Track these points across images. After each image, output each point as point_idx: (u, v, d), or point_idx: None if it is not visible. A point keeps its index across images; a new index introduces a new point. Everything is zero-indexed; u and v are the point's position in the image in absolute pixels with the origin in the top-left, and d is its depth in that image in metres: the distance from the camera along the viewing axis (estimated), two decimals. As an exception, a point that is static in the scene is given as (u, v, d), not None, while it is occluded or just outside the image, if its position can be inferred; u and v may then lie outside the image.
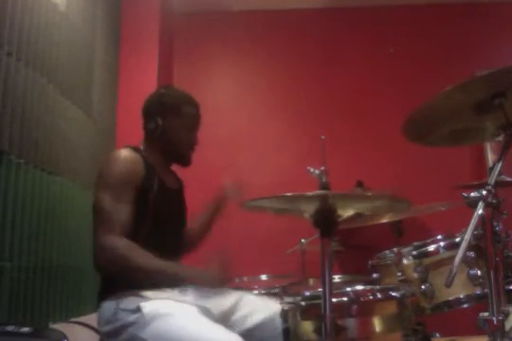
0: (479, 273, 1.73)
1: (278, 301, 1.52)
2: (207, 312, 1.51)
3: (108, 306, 1.52)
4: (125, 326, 1.46)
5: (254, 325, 1.58)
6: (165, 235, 1.65)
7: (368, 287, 1.52)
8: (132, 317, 1.45)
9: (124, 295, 1.51)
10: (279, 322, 1.42)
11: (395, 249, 2.01)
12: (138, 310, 1.45)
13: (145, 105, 1.83)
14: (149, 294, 1.51)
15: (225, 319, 1.56)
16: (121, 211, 1.54)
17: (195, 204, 1.96)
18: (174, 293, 1.59)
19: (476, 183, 1.94)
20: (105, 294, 1.56)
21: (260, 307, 1.63)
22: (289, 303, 1.40)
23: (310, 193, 1.15)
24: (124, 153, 1.66)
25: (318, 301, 1.28)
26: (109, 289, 1.57)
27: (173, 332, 1.39)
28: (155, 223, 1.63)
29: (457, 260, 1.08)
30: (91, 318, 1.89)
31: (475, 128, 1.42)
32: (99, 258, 1.49)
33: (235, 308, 1.63)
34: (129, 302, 1.48)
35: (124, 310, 1.47)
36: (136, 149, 1.72)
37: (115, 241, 1.48)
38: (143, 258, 1.48)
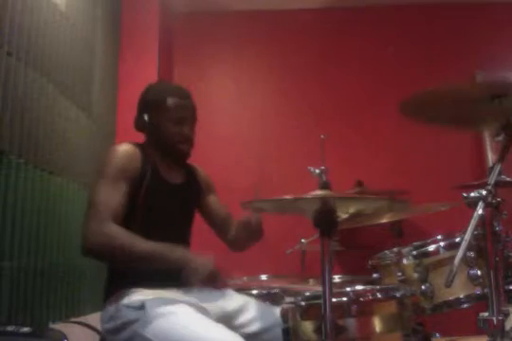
0: (479, 273, 1.73)
1: (278, 304, 1.53)
2: (207, 313, 1.51)
3: (112, 303, 1.53)
4: (128, 323, 1.46)
5: (256, 331, 1.58)
6: (161, 230, 1.63)
7: (368, 287, 1.52)
8: (135, 314, 1.45)
9: (129, 292, 1.52)
10: (279, 330, 1.42)
11: (395, 249, 2.01)
12: (142, 307, 1.45)
13: (138, 103, 1.82)
14: (153, 292, 1.52)
15: (226, 323, 1.55)
16: (111, 198, 1.53)
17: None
18: (179, 293, 1.59)
19: (476, 183, 1.94)
20: (110, 291, 1.57)
21: (262, 313, 1.63)
22: (289, 303, 1.40)
23: (310, 195, 1.15)
24: (122, 147, 1.66)
25: (318, 301, 1.28)
26: (114, 287, 1.57)
27: (176, 331, 1.40)
28: (147, 217, 1.62)
29: (457, 260, 1.08)
30: (91, 318, 1.89)
31: (476, 117, 1.41)
32: (86, 241, 1.46)
33: (238, 313, 1.63)
34: (133, 299, 1.49)
35: (128, 306, 1.48)
36: (136, 144, 1.72)
37: (102, 224, 1.46)
38: (130, 239, 1.46)
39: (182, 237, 1.77)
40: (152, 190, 1.64)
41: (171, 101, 1.74)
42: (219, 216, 1.92)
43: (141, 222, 1.60)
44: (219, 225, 1.92)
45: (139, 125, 1.77)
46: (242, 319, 1.61)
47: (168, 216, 1.69)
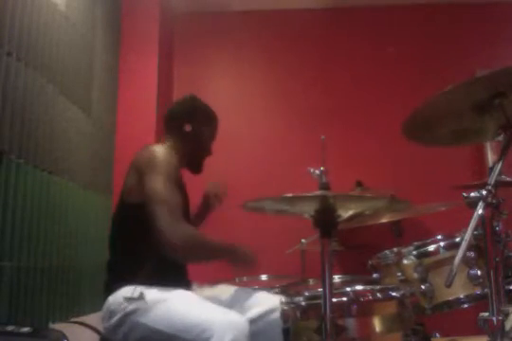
0: (479, 273, 1.73)
1: (277, 296, 1.55)
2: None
3: (113, 298, 1.55)
4: (128, 314, 1.49)
5: (252, 318, 1.60)
6: None
7: (368, 287, 1.52)
8: (134, 305, 1.49)
9: (129, 287, 1.53)
10: (277, 315, 1.43)
11: (395, 249, 2.01)
12: (142, 297, 1.48)
13: (176, 109, 1.89)
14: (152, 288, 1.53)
15: None
16: (177, 197, 1.61)
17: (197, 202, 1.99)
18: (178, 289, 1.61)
19: (476, 183, 1.94)
20: (111, 289, 1.58)
21: (258, 301, 1.66)
22: (289, 303, 1.40)
23: (310, 194, 1.16)
24: (166, 148, 1.74)
25: (318, 301, 1.28)
26: (115, 285, 1.58)
27: (176, 315, 1.43)
28: None
29: (457, 260, 1.08)
30: (91, 318, 1.89)
31: (475, 128, 1.42)
32: (171, 241, 1.51)
33: (233, 302, 1.66)
34: (133, 291, 1.51)
35: (128, 298, 1.50)
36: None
37: (180, 224, 1.55)
38: (203, 237, 1.60)
39: None
40: (181, 192, 1.73)
41: (215, 120, 1.95)
42: None
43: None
44: None
45: (178, 130, 1.84)
46: (238, 308, 1.63)
47: (185, 214, 1.76)
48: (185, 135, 1.83)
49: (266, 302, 1.63)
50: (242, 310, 1.62)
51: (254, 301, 1.65)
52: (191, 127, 1.83)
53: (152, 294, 1.49)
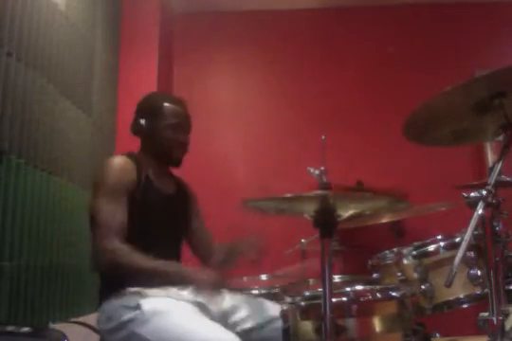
0: (479, 273, 1.73)
1: (278, 304, 1.53)
2: (205, 309, 1.53)
3: (109, 304, 1.53)
4: (125, 322, 1.47)
5: (251, 327, 1.59)
6: (154, 240, 1.64)
7: (368, 287, 1.52)
8: (132, 314, 1.46)
9: (125, 292, 1.53)
10: (278, 325, 1.43)
11: (395, 249, 2.01)
12: (138, 307, 1.46)
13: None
14: (149, 291, 1.52)
15: (223, 319, 1.57)
16: (116, 216, 1.56)
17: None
18: (174, 291, 1.60)
19: (476, 183, 1.94)
20: (106, 292, 1.58)
21: (257, 310, 1.64)
22: (289, 303, 1.40)
23: (310, 194, 1.15)
24: (116, 160, 1.70)
25: (318, 301, 1.28)
26: (110, 287, 1.58)
27: (172, 330, 1.41)
28: (141, 226, 1.62)
29: (457, 260, 1.08)
30: (91, 318, 1.89)
31: (475, 128, 1.42)
32: (98, 261, 1.52)
33: (234, 309, 1.63)
34: (130, 299, 1.50)
35: (125, 307, 1.48)
36: (130, 155, 1.75)
37: (113, 244, 1.50)
38: (142, 260, 1.50)
39: (174, 247, 1.80)
40: (145, 201, 1.66)
41: (167, 108, 1.79)
42: (203, 238, 1.93)
43: (135, 231, 1.60)
44: (200, 247, 1.92)
45: (135, 129, 1.81)
46: (236, 317, 1.62)
47: (161, 226, 1.70)
48: (141, 132, 1.79)
49: (265, 312, 1.61)
50: (240, 319, 1.60)
51: (252, 311, 1.63)
52: (143, 122, 1.78)
53: (149, 304, 1.46)
